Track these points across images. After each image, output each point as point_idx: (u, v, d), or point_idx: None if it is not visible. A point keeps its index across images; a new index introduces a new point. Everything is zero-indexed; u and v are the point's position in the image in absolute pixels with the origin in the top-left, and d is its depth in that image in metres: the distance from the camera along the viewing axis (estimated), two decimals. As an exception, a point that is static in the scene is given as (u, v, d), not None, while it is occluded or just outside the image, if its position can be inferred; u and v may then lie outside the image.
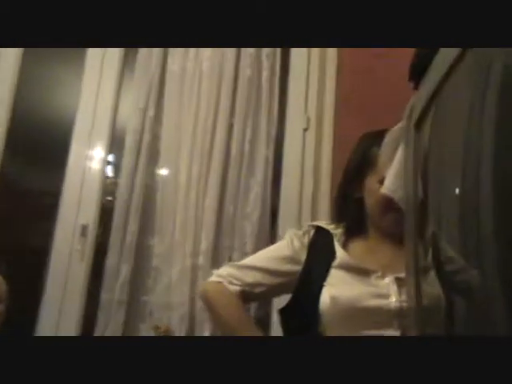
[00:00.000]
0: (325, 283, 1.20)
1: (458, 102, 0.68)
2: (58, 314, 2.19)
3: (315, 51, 2.43)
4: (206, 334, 2.02)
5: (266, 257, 1.33)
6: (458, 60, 0.63)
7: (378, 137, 1.25)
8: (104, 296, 2.14)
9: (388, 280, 1.19)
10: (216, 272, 1.33)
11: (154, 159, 2.33)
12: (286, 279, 1.28)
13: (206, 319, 2.03)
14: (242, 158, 2.27)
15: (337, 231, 1.31)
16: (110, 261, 2.17)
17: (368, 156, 1.28)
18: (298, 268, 1.27)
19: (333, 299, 1.16)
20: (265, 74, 2.37)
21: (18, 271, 2.15)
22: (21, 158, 2.82)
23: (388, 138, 0.98)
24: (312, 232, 1.32)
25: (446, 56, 0.70)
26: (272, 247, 1.38)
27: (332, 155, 2.37)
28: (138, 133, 2.31)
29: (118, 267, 2.15)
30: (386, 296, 1.17)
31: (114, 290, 2.13)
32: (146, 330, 2.10)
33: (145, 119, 2.33)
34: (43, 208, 2.70)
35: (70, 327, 2.18)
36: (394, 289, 1.17)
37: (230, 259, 2.13)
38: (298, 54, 2.45)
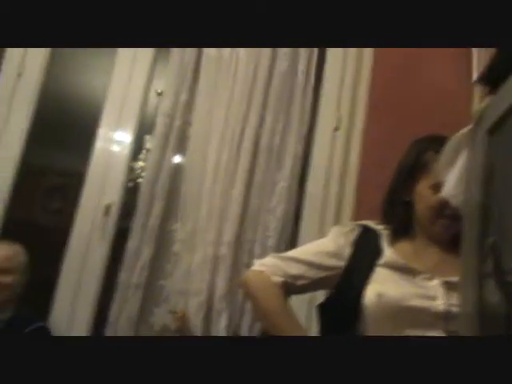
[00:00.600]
0: (369, 280, 1.19)
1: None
2: (74, 293, 2.20)
3: (351, 51, 2.41)
4: (223, 323, 2.01)
5: (311, 250, 1.32)
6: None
7: (433, 142, 1.25)
8: (122, 277, 2.13)
9: (436, 282, 1.19)
10: (259, 261, 1.32)
11: (182, 144, 2.32)
12: (329, 274, 1.27)
13: (224, 309, 2.02)
14: (272, 151, 2.26)
15: (384, 231, 1.30)
16: (132, 243, 2.16)
17: (422, 160, 1.28)
18: (341, 264, 1.26)
19: (378, 296, 1.15)
20: (300, 68, 2.35)
21: (39, 248, 2.17)
22: (48, 140, 2.83)
23: (451, 143, 0.97)
24: (358, 230, 1.31)
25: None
26: (316, 242, 1.37)
27: (360, 157, 2.35)
28: (169, 116, 2.30)
29: (139, 250, 2.15)
30: (433, 298, 1.16)
31: (132, 273, 2.12)
32: (160, 315, 2.09)
33: (177, 103, 2.31)
34: (69, 188, 2.71)
35: (85, 306, 2.19)
36: (441, 291, 1.17)
37: (251, 252, 2.12)
38: (334, 53, 2.42)
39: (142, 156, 2.84)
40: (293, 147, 2.29)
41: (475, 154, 0.84)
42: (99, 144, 2.39)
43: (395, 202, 1.32)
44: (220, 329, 2.02)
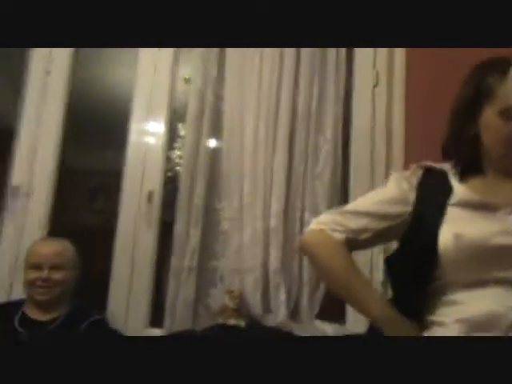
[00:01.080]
0: (443, 222, 1.08)
1: None
2: (128, 284, 2.17)
3: None
4: (282, 298, 1.94)
5: (371, 200, 1.20)
6: None
7: (497, 64, 1.12)
8: (174, 262, 2.09)
9: None
10: (316, 220, 1.21)
11: (217, 126, 2.24)
12: (395, 223, 1.15)
13: (281, 282, 1.95)
14: (310, 116, 2.16)
15: (450, 170, 1.17)
16: (179, 227, 2.10)
17: (484, 86, 1.13)
18: (408, 209, 1.14)
19: (456, 237, 1.04)
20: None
21: (88, 246, 2.15)
22: (81, 139, 2.81)
23: None
24: (420, 172, 1.19)
25: None
26: (375, 191, 1.24)
27: (405, 111, 2.23)
28: (200, 97, 2.22)
29: (187, 233, 2.09)
30: None
31: (183, 256, 2.07)
32: (217, 296, 2.03)
33: (206, 80, 2.24)
34: (108, 186, 2.68)
35: (141, 296, 2.16)
36: None
37: (301, 221, 2.04)
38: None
39: (177, 145, 2.78)
40: (332, 109, 2.19)
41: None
42: (133, 138, 2.34)
43: (460, 137, 1.17)
44: (279, 303, 1.95)
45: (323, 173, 2.10)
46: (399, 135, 2.20)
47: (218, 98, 2.24)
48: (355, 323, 1.87)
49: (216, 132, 2.24)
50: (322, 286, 1.96)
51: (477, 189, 1.13)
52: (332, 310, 1.97)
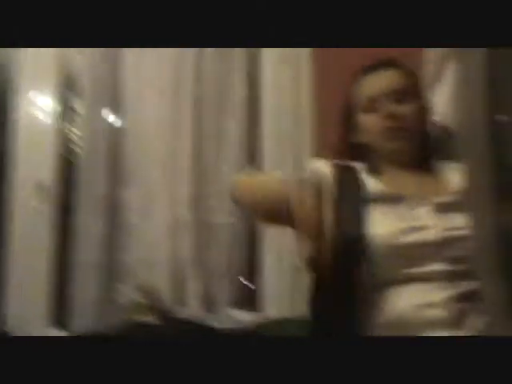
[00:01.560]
0: (358, 221, 1.07)
1: None
2: (26, 283, 1.99)
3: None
4: (194, 289, 1.88)
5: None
6: None
7: (365, 71, 1.20)
8: (75, 257, 1.95)
9: (424, 209, 1.08)
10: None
11: (115, 104, 2.09)
12: None
13: (194, 275, 1.89)
14: (216, 98, 2.07)
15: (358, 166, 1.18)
16: (79, 218, 1.96)
17: (352, 97, 1.20)
18: None
19: (370, 238, 1.04)
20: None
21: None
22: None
23: (432, 58, 0.86)
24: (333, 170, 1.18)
25: None
26: None
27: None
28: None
29: (88, 225, 1.95)
30: (424, 227, 1.05)
31: (86, 251, 1.94)
32: (126, 292, 1.93)
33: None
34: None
35: (40, 295, 2.00)
36: (432, 217, 1.06)
37: (212, 209, 1.98)
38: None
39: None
40: (238, 90, 2.11)
41: (469, 70, 0.73)
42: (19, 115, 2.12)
43: (351, 147, 1.21)
44: (192, 295, 1.89)
45: (230, 156, 2.04)
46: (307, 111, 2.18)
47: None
48: (271, 310, 1.87)
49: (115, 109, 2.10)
50: (236, 275, 1.94)
51: (387, 183, 1.14)
52: (249, 298, 1.95)
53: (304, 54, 2.17)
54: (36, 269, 2.01)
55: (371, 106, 1.15)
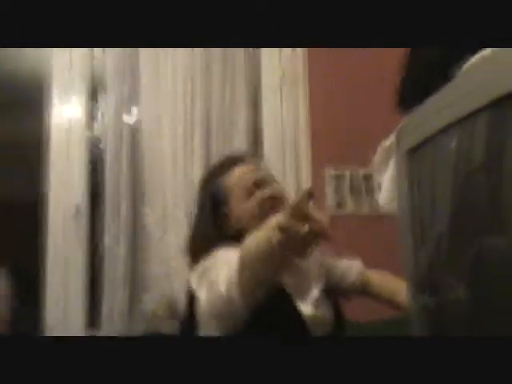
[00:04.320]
0: None
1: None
2: (64, 294, 2.27)
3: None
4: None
5: None
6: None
7: (212, 174, 1.37)
8: (106, 271, 2.22)
9: None
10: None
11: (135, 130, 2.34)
12: None
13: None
14: (224, 123, 2.30)
15: None
16: (108, 240, 2.23)
17: (216, 192, 1.32)
18: None
19: None
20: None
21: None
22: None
23: (379, 153, 1.03)
24: None
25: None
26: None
27: (309, 104, 2.39)
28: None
29: (116, 243, 2.22)
30: None
31: (115, 265, 2.20)
32: (149, 301, 2.19)
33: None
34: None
35: (76, 306, 2.28)
36: None
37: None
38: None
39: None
40: (243, 113, 2.32)
41: (399, 170, 0.92)
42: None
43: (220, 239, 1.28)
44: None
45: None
46: (305, 130, 2.37)
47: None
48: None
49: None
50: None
51: None
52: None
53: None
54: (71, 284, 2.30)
55: (246, 193, 1.28)
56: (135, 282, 2.22)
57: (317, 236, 0.94)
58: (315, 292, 1.31)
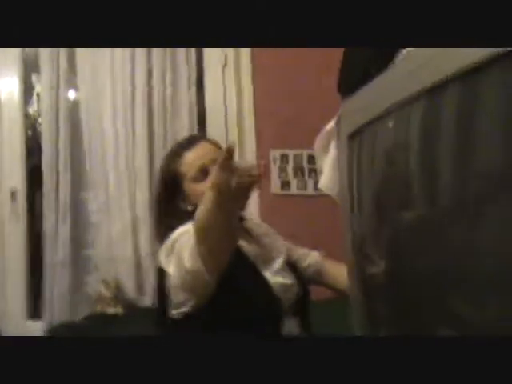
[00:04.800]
0: None
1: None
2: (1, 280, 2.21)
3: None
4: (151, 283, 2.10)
5: None
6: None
7: (177, 151, 1.41)
8: (46, 257, 2.17)
9: None
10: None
11: (75, 112, 2.26)
12: None
13: (151, 266, 2.10)
14: (165, 102, 2.26)
15: None
16: (48, 223, 2.17)
17: (175, 172, 1.38)
18: None
19: None
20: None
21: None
22: None
23: (320, 138, 1.04)
24: None
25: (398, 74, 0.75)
26: None
27: (253, 87, 2.39)
28: (55, 87, 2.22)
29: (56, 227, 2.16)
30: None
31: (56, 251, 2.15)
32: (93, 284, 2.16)
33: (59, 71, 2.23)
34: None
35: (16, 291, 2.22)
36: None
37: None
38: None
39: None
40: (185, 93, 2.29)
41: (340, 154, 0.94)
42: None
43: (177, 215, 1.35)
44: (152, 285, 2.12)
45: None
46: (249, 111, 2.37)
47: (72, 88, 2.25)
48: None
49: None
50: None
51: None
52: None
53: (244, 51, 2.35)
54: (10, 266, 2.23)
55: (201, 175, 1.33)
56: (77, 266, 2.17)
57: (250, 183, 1.07)
58: (278, 262, 1.38)
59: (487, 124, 0.63)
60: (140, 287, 2.13)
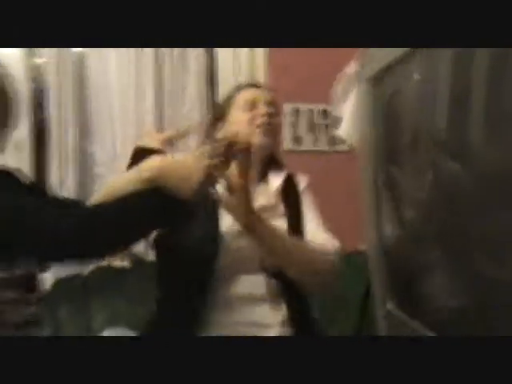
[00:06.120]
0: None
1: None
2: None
3: None
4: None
5: None
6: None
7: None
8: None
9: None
10: None
11: (80, 62, 2.19)
12: None
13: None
14: (173, 54, 2.18)
15: None
16: (54, 173, 2.12)
17: (227, 100, 1.34)
18: None
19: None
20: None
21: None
22: None
23: (339, 82, 0.98)
24: None
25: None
26: None
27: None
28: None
29: (62, 178, 2.12)
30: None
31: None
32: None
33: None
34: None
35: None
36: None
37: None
38: None
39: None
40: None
41: (361, 99, 0.87)
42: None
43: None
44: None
45: (191, 113, 2.18)
46: (261, 65, 2.29)
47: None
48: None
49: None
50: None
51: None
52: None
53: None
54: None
55: (248, 106, 1.27)
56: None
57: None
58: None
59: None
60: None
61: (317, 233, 1.20)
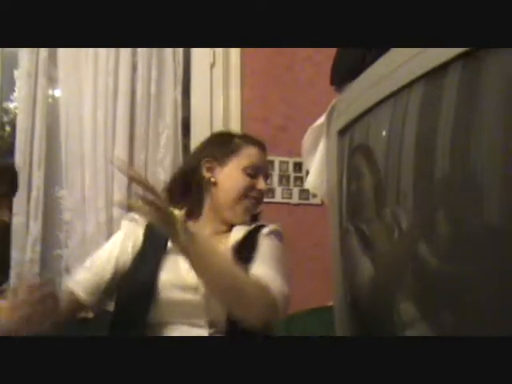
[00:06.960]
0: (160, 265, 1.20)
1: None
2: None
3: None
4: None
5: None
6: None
7: (246, 136, 1.37)
8: (14, 255, 2.05)
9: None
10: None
11: (54, 106, 2.16)
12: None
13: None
14: (149, 101, 2.17)
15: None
16: (18, 219, 2.05)
17: (232, 143, 1.32)
18: (125, 257, 1.27)
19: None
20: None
21: None
22: None
23: (309, 134, 0.98)
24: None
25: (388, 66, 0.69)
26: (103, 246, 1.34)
27: (241, 90, 2.33)
28: (33, 76, 2.12)
29: (27, 225, 2.05)
30: (195, 288, 1.15)
31: (24, 249, 2.04)
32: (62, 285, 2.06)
33: (38, 59, 2.12)
34: None
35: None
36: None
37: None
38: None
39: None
40: (171, 93, 2.21)
41: (327, 152, 0.86)
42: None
43: (194, 181, 1.32)
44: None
45: (164, 158, 2.16)
46: (236, 115, 2.30)
47: (51, 80, 2.15)
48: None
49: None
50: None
51: None
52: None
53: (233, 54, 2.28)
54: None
55: (248, 169, 1.28)
56: (47, 266, 2.07)
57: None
58: None
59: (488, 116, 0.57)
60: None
61: (262, 270, 1.14)
